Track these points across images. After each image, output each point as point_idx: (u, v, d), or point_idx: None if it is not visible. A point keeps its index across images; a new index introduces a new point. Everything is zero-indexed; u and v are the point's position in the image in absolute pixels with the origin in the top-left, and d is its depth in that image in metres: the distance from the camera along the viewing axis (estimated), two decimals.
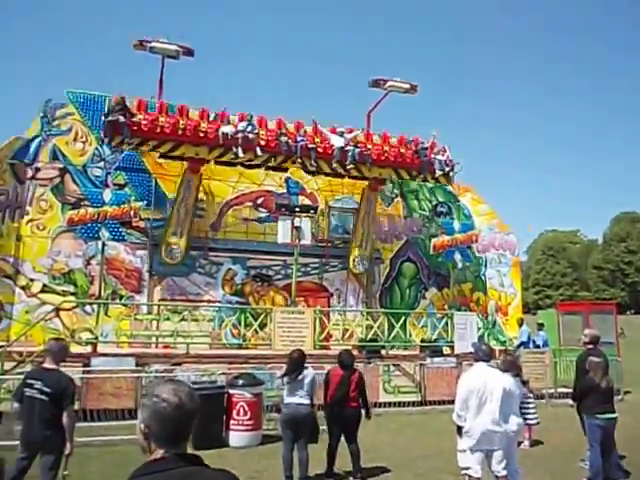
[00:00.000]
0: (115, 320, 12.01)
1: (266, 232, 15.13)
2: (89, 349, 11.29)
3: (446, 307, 16.00)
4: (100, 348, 11.31)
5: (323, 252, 15.57)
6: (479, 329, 14.17)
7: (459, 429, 5.59)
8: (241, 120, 13.31)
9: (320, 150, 13.91)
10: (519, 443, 8.53)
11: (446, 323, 13.84)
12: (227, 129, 13.03)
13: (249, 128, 13.17)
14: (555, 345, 15.56)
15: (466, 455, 5.54)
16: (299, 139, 13.73)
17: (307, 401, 6.54)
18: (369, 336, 13.16)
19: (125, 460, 7.08)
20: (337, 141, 14.05)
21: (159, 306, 12.98)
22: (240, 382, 8.77)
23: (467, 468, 5.53)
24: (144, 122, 12.60)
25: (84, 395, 9.34)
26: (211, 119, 13.27)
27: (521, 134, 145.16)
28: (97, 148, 14.11)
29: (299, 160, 13.76)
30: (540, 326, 16.33)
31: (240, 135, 13.01)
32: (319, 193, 16.03)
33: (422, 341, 14.04)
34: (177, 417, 1.79)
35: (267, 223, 15.20)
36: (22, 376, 5.70)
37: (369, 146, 14.55)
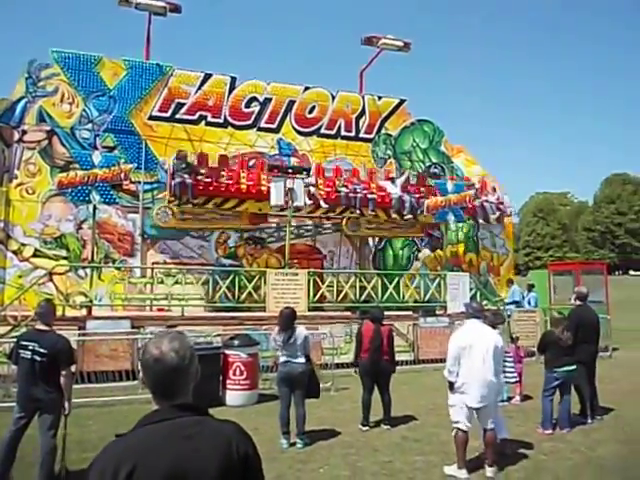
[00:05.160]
0: (109, 284, 11.97)
1: None
2: (84, 312, 11.33)
3: (439, 268, 16.10)
4: (95, 311, 11.34)
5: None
6: (471, 289, 14.28)
7: (451, 385, 5.71)
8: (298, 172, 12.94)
9: (378, 200, 14.47)
10: (510, 398, 8.81)
11: (439, 284, 13.96)
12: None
13: (308, 180, 13.21)
14: (546, 304, 15.78)
15: (456, 409, 5.68)
16: (358, 189, 14.18)
17: (302, 360, 6.64)
18: (362, 297, 13.27)
19: (123, 420, 7.19)
20: (392, 189, 14.64)
21: (152, 269, 12.95)
22: (236, 343, 8.87)
23: (457, 422, 5.68)
24: (207, 180, 12.89)
25: (81, 357, 9.39)
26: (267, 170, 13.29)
27: (511, 96, 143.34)
28: (84, 110, 13.78)
29: (358, 211, 14.38)
30: (531, 287, 16.56)
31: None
32: (311, 154, 15.85)
33: (415, 302, 14.18)
34: (158, 371, 1.75)
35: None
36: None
37: (422, 189, 15.14)
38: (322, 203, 13.76)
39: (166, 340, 1.79)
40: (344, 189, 14.10)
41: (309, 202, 13.43)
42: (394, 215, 14.83)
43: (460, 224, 16.78)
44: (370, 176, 15.18)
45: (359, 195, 14.18)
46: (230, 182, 13.16)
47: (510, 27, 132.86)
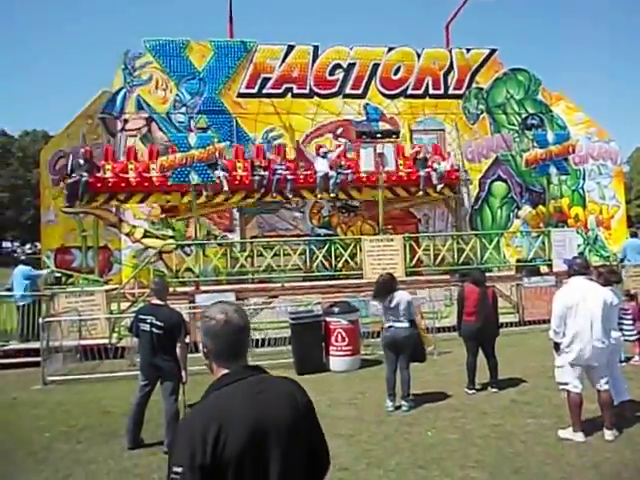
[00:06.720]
0: (213, 259, 12.57)
1: None
2: (192, 287, 12.01)
3: (542, 225, 15.28)
4: (202, 286, 11.98)
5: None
6: (579, 245, 13.44)
7: (556, 345, 5.46)
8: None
9: (301, 179, 13.19)
10: (629, 358, 8.26)
11: (542, 241, 13.28)
12: (196, 176, 11.99)
13: (221, 173, 12.44)
14: None
15: (564, 370, 5.44)
16: (278, 170, 12.96)
17: (405, 324, 6.64)
18: (461, 260, 12.94)
19: None
20: (321, 165, 13.16)
21: (252, 243, 13.42)
22: (336, 310, 9.00)
23: (566, 383, 5.43)
24: (110, 176, 12.50)
25: (193, 329, 9.96)
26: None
27: (613, 35, 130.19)
28: (178, 94, 14.42)
29: (273, 195, 13.15)
30: None
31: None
32: (400, 117, 15.49)
33: (518, 261, 13.61)
34: (226, 333, 1.87)
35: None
36: None
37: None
38: (225, 186, 12.52)
39: (226, 305, 1.95)
40: (259, 174, 12.89)
41: (226, 188, 12.54)
42: (320, 195, 13.43)
43: (563, 177, 15.73)
44: (298, 153, 13.97)
45: (276, 177, 12.91)
46: (134, 177, 12.64)
47: None
